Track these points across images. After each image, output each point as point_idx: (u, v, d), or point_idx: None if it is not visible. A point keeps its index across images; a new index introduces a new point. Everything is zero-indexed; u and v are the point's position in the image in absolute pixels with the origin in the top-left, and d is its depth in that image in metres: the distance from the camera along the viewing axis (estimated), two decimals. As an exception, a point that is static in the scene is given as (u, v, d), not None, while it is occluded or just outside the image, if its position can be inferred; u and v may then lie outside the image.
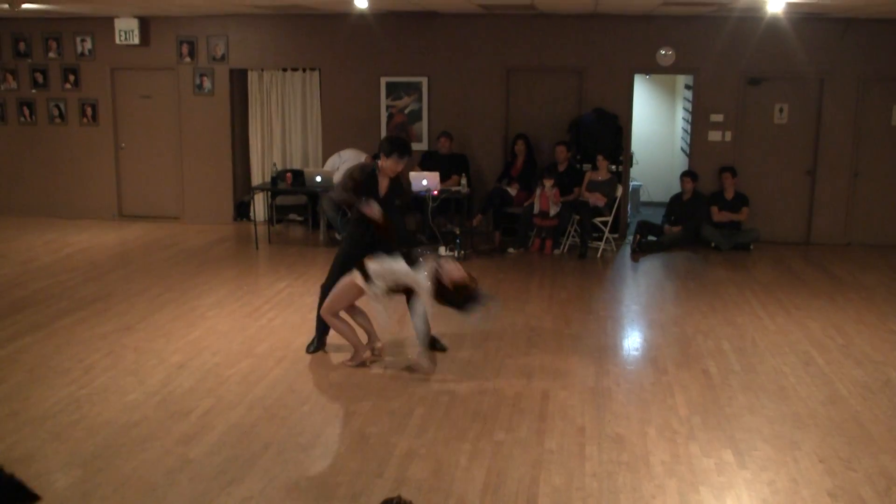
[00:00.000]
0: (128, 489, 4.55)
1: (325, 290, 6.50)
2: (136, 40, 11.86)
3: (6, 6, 10.11)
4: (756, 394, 5.91)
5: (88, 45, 12.27)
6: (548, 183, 10.29)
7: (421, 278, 6.02)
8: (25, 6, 10.22)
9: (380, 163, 6.46)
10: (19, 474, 4.61)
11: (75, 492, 4.52)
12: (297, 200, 12.01)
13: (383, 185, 6.51)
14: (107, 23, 11.91)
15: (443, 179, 10.30)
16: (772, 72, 10.89)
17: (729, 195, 10.83)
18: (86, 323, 7.47)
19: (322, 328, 6.69)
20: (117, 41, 11.91)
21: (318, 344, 6.75)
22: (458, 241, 10.13)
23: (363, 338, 6.56)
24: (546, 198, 10.30)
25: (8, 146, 12.78)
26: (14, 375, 6.19)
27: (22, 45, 12.45)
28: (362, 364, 6.42)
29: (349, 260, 6.34)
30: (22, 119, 12.67)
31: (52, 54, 12.41)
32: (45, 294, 8.41)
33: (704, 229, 10.68)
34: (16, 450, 4.98)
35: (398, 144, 6.43)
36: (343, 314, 6.44)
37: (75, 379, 6.13)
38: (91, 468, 4.77)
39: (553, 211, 10.31)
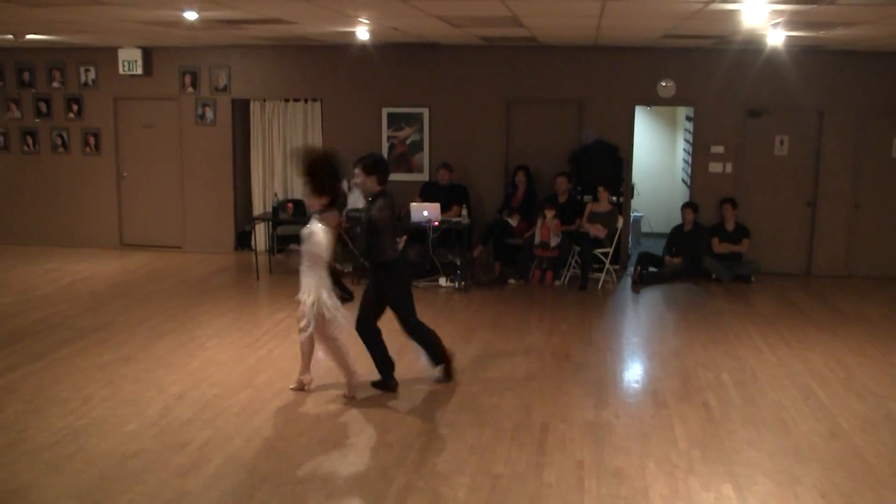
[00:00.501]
0: (124, 522, 4.52)
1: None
2: (140, 70, 11.94)
3: (11, 36, 10.20)
4: (756, 427, 5.87)
5: (92, 74, 12.35)
6: (549, 213, 10.31)
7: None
8: (30, 37, 10.31)
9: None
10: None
11: (71, 525, 4.49)
12: (298, 230, 11.98)
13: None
14: (110, 53, 11.99)
15: (443, 210, 10.32)
16: (772, 104, 10.94)
17: (730, 226, 10.84)
18: (85, 353, 7.45)
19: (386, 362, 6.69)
20: (121, 71, 11.99)
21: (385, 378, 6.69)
22: (458, 271, 10.14)
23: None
24: (547, 228, 10.31)
25: (10, 175, 12.82)
26: (12, 405, 6.16)
27: (26, 75, 12.53)
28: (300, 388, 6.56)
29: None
30: (25, 148, 12.73)
31: (55, 84, 12.49)
32: (45, 324, 8.40)
33: (705, 261, 10.67)
34: (13, 481, 4.95)
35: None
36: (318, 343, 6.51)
37: (73, 409, 6.10)
38: (89, 500, 4.74)
39: (554, 242, 10.32)
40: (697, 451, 5.46)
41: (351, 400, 6.37)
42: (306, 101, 12.06)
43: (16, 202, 12.86)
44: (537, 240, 10.38)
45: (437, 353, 6.76)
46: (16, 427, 5.76)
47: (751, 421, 5.99)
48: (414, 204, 10.33)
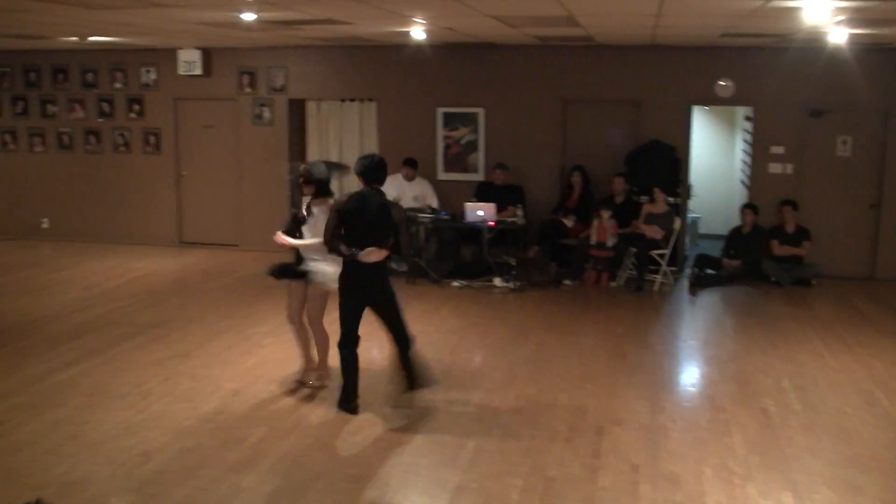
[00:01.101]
0: (180, 516, 4.58)
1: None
2: (199, 71, 12.12)
3: (75, 39, 10.43)
4: (817, 435, 5.74)
5: (153, 75, 12.57)
6: (605, 214, 10.22)
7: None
8: (93, 39, 10.53)
9: None
10: (76, 498, 4.72)
11: (129, 518, 4.56)
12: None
13: None
14: (170, 54, 12.19)
15: (498, 210, 10.29)
16: (834, 103, 10.70)
17: (790, 228, 10.62)
18: (144, 349, 7.59)
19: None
20: (180, 72, 12.19)
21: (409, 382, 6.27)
22: (513, 272, 10.09)
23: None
24: (603, 229, 10.22)
25: (74, 173, 13.12)
26: (73, 399, 6.30)
27: (90, 76, 12.80)
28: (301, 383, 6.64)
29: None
30: (88, 147, 13.01)
31: (117, 84, 12.74)
32: (106, 319, 8.58)
33: (764, 263, 10.47)
34: (73, 473, 5.06)
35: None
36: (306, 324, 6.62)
37: (132, 404, 6.21)
38: (145, 493, 4.82)
39: (610, 242, 10.22)
40: (756, 457, 5.36)
41: (300, 385, 6.60)
42: (362, 100, 12.12)
43: (79, 200, 13.16)
44: (593, 240, 10.30)
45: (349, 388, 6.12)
46: (77, 420, 5.88)
47: (811, 428, 5.86)
48: (469, 204, 10.33)
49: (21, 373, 6.88)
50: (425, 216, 10.55)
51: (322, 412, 6.11)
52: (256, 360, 7.28)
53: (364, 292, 5.98)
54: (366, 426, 5.86)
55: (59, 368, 6.99)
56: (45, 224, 13.32)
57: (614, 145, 11.18)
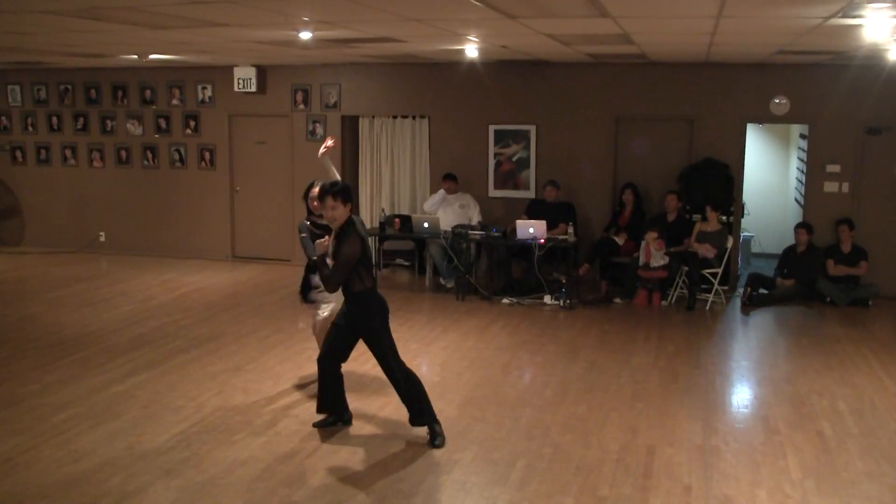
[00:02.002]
0: (234, 529, 4.64)
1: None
2: (254, 88, 12.32)
3: (135, 56, 10.67)
4: (876, 459, 5.62)
5: (209, 92, 12.81)
6: (650, 236, 10.11)
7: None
8: (152, 56, 10.76)
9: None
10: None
11: (184, 529, 4.63)
12: (404, 245, 12.16)
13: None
14: (226, 71, 12.41)
15: (549, 228, 10.28)
16: (893, 121, 10.51)
17: (846, 248, 10.44)
18: (198, 362, 7.71)
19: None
20: (236, 89, 12.39)
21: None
22: (563, 290, 10.06)
23: None
24: (649, 250, 10.13)
25: (131, 188, 13.40)
26: (130, 410, 6.42)
27: (148, 93, 13.08)
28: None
29: None
30: (145, 162, 13.28)
31: (174, 101, 13.00)
32: (161, 332, 8.73)
33: (820, 283, 10.30)
34: (129, 483, 5.15)
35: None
36: None
37: (187, 416, 6.31)
38: (199, 506, 4.88)
39: (656, 262, 10.12)
40: (812, 481, 5.26)
41: None
42: (414, 117, 12.21)
43: (135, 214, 13.42)
44: (641, 261, 10.22)
45: (424, 406, 5.92)
46: (134, 431, 5.99)
47: (869, 452, 5.74)
48: (520, 221, 10.33)
49: (81, 383, 7.03)
50: (476, 233, 10.58)
51: (373, 427, 6.15)
52: (307, 375, 7.33)
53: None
54: (417, 443, 5.87)
55: (116, 380, 7.14)
56: (103, 237, 13.61)
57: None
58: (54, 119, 13.63)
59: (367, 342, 5.84)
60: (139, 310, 9.74)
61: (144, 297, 10.39)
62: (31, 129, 13.76)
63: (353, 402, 6.62)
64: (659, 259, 10.13)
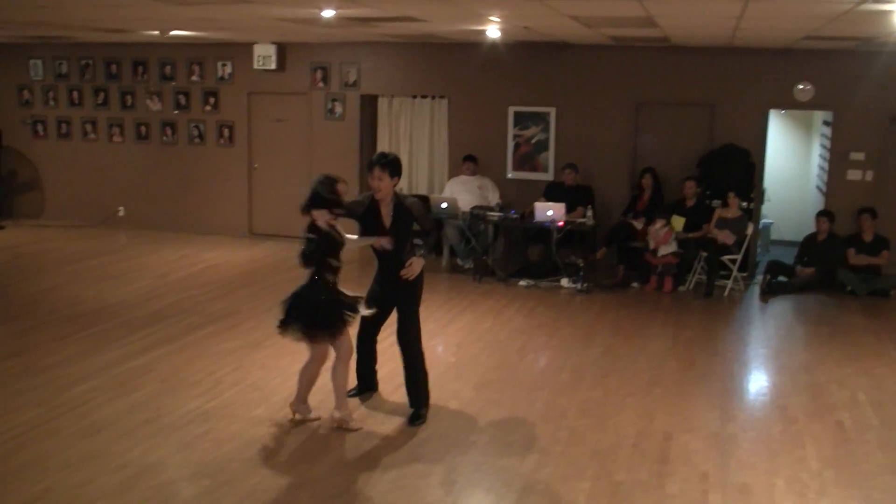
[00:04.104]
0: (251, 502, 4.66)
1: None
2: (273, 66, 12.28)
3: (157, 32, 10.66)
4: None
5: (228, 69, 12.79)
6: (658, 223, 10.04)
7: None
8: (174, 33, 10.75)
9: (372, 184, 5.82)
10: (152, 481, 4.83)
11: (202, 501, 4.66)
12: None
13: (385, 212, 5.94)
14: (246, 49, 12.39)
15: (568, 211, 10.23)
16: (919, 110, 10.40)
17: (868, 237, 10.34)
18: (216, 337, 7.73)
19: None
20: (255, 66, 12.36)
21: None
22: (581, 273, 10.03)
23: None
24: (657, 236, 10.07)
25: (150, 164, 13.43)
26: (148, 384, 6.46)
27: (168, 69, 13.08)
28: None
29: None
30: (164, 138, 13.29)
31: (194, 78, 12.99)
32: (179, 307, 8.76)
33: (840, 272, 10.22)
34: (148, 456, 5.18)
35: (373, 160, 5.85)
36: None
37: (205, 391, 6.34)
38: (218, 479, 4.91)
39: (664, 251, 10.05)
40: (830, 472, 5.23)
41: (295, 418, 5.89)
42: (433, 98, 12.16)
43: (154, 190, 13.45)
44: (651, 246, 10.16)
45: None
46: (152, 405, 6.03)
47: (890, 444, 5.69)
48: (538, 203, 10.29)
49: (99, 357, 7.07)
50: (494, 214, 10.55)
51: (390, 407, 6.15)
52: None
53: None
54: (433, 422, 5.88)
55: (134, 354, 7.18)
56: (121, 212, 13.65)
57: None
58: (75, 94, 13.65)
59: (403, 303, 5.97)
60: (157, 285, 9.77)
61: (162, 272, 10.43)
62: (51, 103, 13.79)
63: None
64: (666, 247, 10.06)
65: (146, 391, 6.31)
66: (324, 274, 5.58)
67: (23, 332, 7.76)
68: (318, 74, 12.42)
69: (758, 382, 7.15)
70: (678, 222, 10.31)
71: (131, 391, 6.30)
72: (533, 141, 11.67)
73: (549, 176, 11.56)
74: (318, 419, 5.89)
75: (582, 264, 10.16)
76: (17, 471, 4.96)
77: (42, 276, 10.11)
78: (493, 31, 9.40)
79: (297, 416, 5.86)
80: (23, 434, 5.47)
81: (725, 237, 10.17)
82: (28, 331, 7.82)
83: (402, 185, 12.17)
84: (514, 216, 10.55)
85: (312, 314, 5.55)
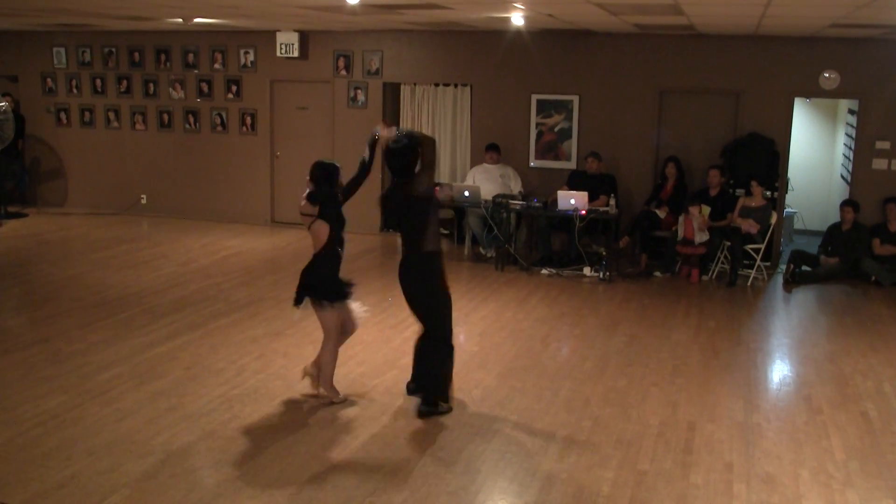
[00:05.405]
0: (275, 490, 4.69)
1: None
2: (296, 53, 12.29)
3: (180, 20, 10.69)
4: (922, 442, 5.55)
5: (251, 57, 12.81)
6: (694, 210, 9.96)
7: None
8: (197, 20, 10.77)
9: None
10: (177, 468, 4.86)
11: (226, 489, 4.69)
12: (444, 214, 12.12)
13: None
14: (269, 36, 12.40)
15: (591, 199, 10.19)
16: (947, 99, 10.26)
17: (893, 227, 10.24)
18: (239, 325, 7.77)
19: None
20: (278, 54, 12.37)
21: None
22: (603, 262, 9.99)
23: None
24: (691, 226, 9.98)
25: (173, 152, 13.48)
26: (173, 371, 6.50)
27: (190, 57, 13.11)
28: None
29: None
30: (187, 126, 13.34)
31: (217, 65, 13.02)
32: (202, 295, 8.80)
33: (865, 262, 10.13)
34: (173, 443, 5.22)
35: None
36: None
37: (228, 379, 6.38)
38: (243, 467, 4.94)
39: (699, 239, 9.99)
40: (856, 462, 5.20)
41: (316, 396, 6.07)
42: (456, 85, 12.13)
43: (176, 178, 13.51)
44: (680, 235, 10.10)
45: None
46: (176, 392, 6.07)
47: (915, 435, 5.67)
48: (561, 192, 10.25)
49: (124, 344, 7.13)
50: (516, 203, 10.52)
51: (414, 396, 6.15)
52: (347, 342, 7.34)
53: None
54: (456, 411, 5.88)
55: (159, 341, 7.22)
56: (144, 200, 13.73)
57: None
58: (98, 81, 13.72)
59: (424, 317, 5.86)
60: (180, 272, 9.83)
61: (185, 260, 10.48)
62: (75, 91, 13.87)
63: (393, 371, 6.66)
64: (702, 234, 10.00)
65: (171, 378, 6.36)
66: (336, 248, 6.22)
67: (48, 319, 7.83)
68: (341, 62, 12.41)
69: (782, 372, 7.10)
70: (703, 211, 10.24)
71: (156, 378, 6.34)
72: (556, 129, 11.62)
73: (571, 164, 11.51)
74: (344, 400, 5.98)
75: (604, 253, 10.12)
76: (43, 457, 5.01)
77: (67, 264, 10.19)
78: (517, 18, 9.34)
79: (334, 399, 5.97)
80: (49, 420, 5.52)
81: (749, 226, 10.10)
82: (53, 318, 7.89)
83: (424, 174, 12.16)
84: (537, 205, 10.52)
85: (318, 285, 6.13)
